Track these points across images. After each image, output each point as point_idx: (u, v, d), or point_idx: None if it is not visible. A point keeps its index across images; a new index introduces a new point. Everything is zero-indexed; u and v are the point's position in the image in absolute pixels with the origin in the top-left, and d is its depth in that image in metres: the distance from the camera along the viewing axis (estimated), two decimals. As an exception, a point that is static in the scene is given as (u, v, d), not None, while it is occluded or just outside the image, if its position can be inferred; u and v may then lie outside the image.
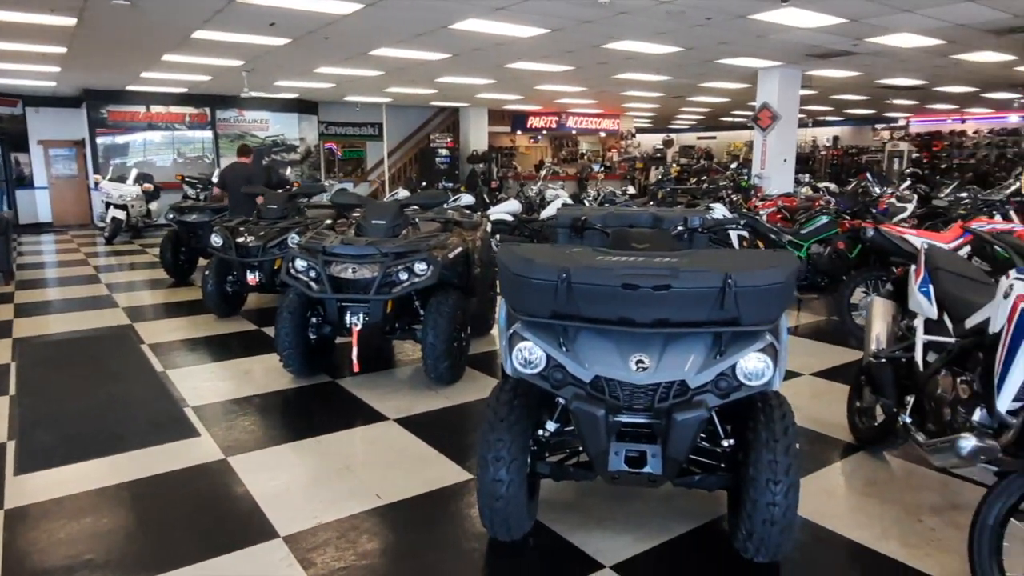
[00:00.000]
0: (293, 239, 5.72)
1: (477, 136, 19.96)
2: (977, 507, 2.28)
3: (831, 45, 9.60)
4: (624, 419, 2.37)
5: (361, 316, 4.38)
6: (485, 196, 12.75)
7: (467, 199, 10.39)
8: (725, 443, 2.59)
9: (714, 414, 2.57)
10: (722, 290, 2.21)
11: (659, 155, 26.47)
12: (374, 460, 3.58)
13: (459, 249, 4.80)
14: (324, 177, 17.78)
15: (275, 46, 9.51)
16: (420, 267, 4.41)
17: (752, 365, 2.31)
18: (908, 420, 3.01)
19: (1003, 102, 17.64)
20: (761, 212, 9.12)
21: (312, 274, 4.44)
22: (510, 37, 8.95)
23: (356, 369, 4.45)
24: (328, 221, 6.10)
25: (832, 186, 13.84)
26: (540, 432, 2.71)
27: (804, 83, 12.05)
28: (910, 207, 8.74)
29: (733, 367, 2.32)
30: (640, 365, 2.32)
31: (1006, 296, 2.40)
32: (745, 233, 7.11)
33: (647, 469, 2.42)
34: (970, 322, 2.77)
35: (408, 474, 3.36)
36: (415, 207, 5.55)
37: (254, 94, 14.47)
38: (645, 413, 2.35)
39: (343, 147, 18.98)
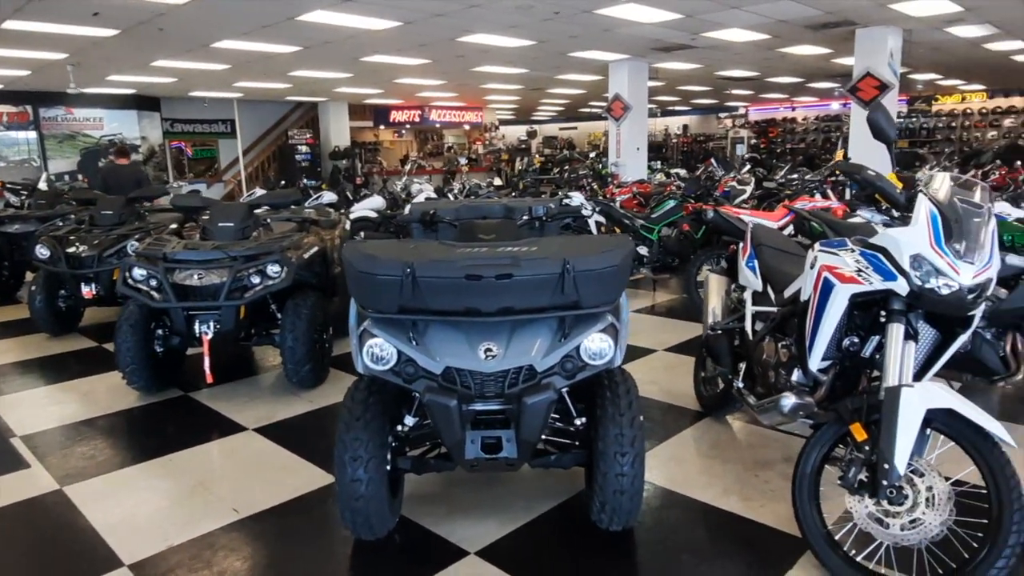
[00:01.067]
0: (132, 246, 5.32)
1: (338, 131, 19.41)
2: (797, 458, 2.53)
3: (672, 39, 10.18)
4: (478, 407, 2.42)
5: (211, 324, 4.16)
6: (348, 193, 12.45)
7: (329, 197, 10.08)
8: (578, 422, 2.70)
9: (566, 395, 2.69)
10: (561, 275, 2.30)
11: (524, 146, 26.96)
12: (232, 474, 3.42)
13: (315, 249, 4.67)
14: (172, 179, 16.64)
15: (102, 37, 8.75)
16: (273, 269, 4.25)
17: (595, 345, 2.43)
18: (740, 385, 3.29)
19: (826, 91, 19.47)
20: (617, 198, 9.57)
21: (153, 283, 4.16)
22: (361, 30, 8.78)
23: (210, 380, 4.23)
24: (174, 226, 5.72)
25: (683, 172, 14.75)
26: (399, 428, 2.70)
27: (652, 75, 12.70)
28: (748, 189, 9.43)
29: (577, 348, 2.42)
30: (489, 353, 2.37)
31: (812, 266, 2.68)
32: (602, 219, 7.43)
33: (503, 454, 2.48)
34: (788, 292, 3.06)
35: (269, 484, 3.24)
36: (266, 207, 5.33)
37: (83, 90, 13.25)
38: (497, 400, 2.41)
39: (193, 146, 17.81)
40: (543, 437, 2.83)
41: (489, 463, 2.51)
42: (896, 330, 2.38)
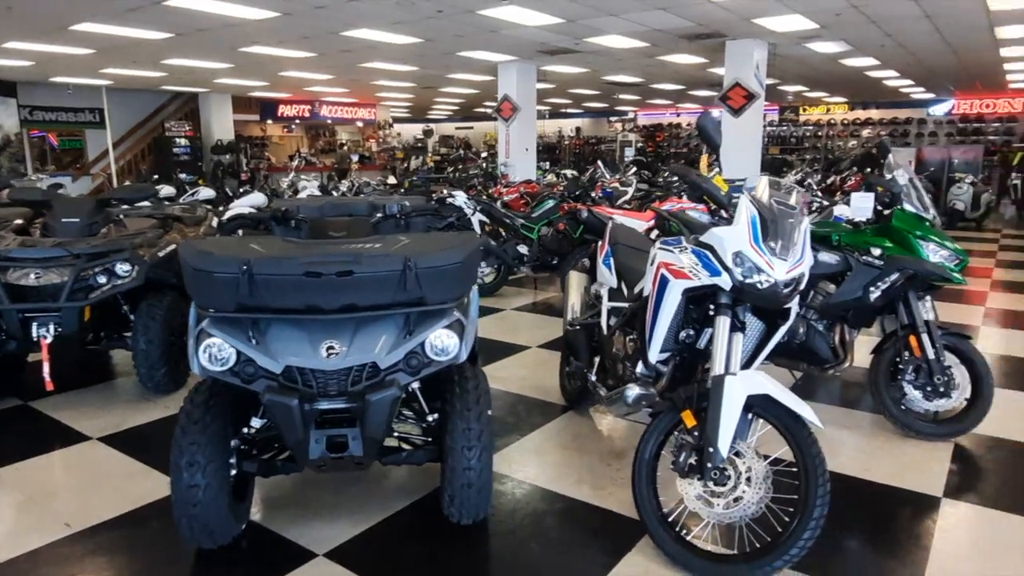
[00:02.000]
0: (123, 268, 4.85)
1: (221, 125, 18.53)
2: (637, 446, 2.66)
3: (557, 43, 10.41)
4: (323, 406, 2.38)
5: (51, 327, 3.87)
6: (229, 189, 11.93)
7: (206, 193, 9.63)
8: (430, 418, 2.72)
9: (418, 392, 2.70)
10: (403, 272, 2.31)
11: (420, 145, 26.79)
12: (68, 486, 3.20)
13: (173, 246, 4.44)
14: (32, 171, 15.32)
15: (-60, 14, 7.95)
16: (123, 268, 4.01)
17: (440, 342, 2.45)
18: (594, 378, 3.42)
19: (706, 99, 20.49)
20: (505, 198, 9.68)
21: (-18, 283, 3.82)
22: (237, 18, 8.42)
23: (50, 387, 3.91)
24: (19, 221, 5.27)
25: (573, 173, 15.15)
26: (246, 430, 2.63)
27: (540, 77, 12.94)
28: (630, 190, 9.84)
29: (422, 345, 2.44)
30: (331, 351, 2.34)
31: (652, 263, 2.82)
32: (485, 218, 7.50)
33: (350, 452, 2.46)
34: (637, 288, 3.21)
35: (109, 495, 3.06)
36: (115, 202, 5.00)
37: (-77, 71, 11.98)
38: (341, 398, 2.38)
39: (59, 136, 16.48)
40: (396, 434, 2.84)
41: (337, 462, 2.48)
42: (722, 322, 2.54)
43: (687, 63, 12.47)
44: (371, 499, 2.99)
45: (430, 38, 9.96)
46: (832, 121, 22.08)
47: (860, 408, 4.06)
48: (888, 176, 3.68)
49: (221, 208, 7.90)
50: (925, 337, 3.52)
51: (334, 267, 2.25)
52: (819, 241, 3.78)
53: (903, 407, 3.62)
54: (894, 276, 3.52)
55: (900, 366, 3.60)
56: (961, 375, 3.52)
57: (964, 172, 13.62)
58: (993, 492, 3.10)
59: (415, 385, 2.65)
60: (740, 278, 2.45)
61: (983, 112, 19.43)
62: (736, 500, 2.42)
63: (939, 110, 19.96)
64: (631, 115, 26.32)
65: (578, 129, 27.92)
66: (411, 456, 2.73)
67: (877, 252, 3.56)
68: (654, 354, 2.77)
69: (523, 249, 7.02)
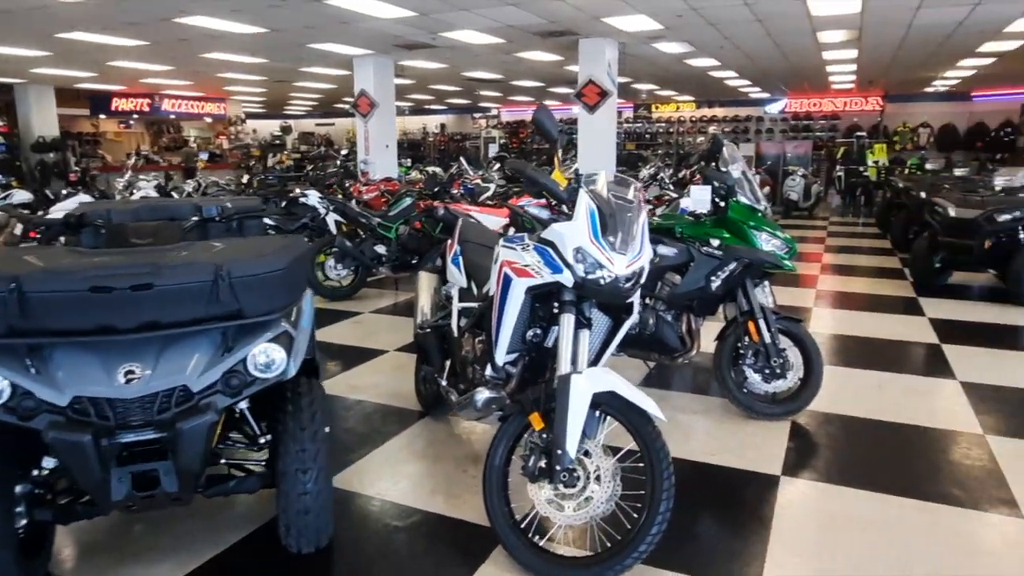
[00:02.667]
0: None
1: (43, 119, 16.63)
2: (487, 452, 2.55)
3: (413, 37, 10.18)
4: (126, 439, 2.08)
5: None
6: (50, 192, 10.71)
7: (21, 196, 8.61)
8: (262, 440, 2.48)
9: (247, 412, 2.45)
10: (215, 283, 2.06)
11: (278, 142, 25.55)
12: None
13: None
14: None
15: None
16: None
17: (264, 357, 2.22)
18: (445, 383, 3.29)
19: (565, 95, 20.98)
20: (365, 196, 9.35)
21: None
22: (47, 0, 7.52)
23: None
24: None
25: (437, 169, 14.96)
26: (37, 472, 2.26)
27: (398, 72, 12.64)
28: (492, 187, 9.83)
29: (244, 361, 2.19)
30: (131, 376, 2.05)
31: (496, 262, 2.72)
32: (340, 218, 7.17)
33: (162, 488, 2.17)
34: (485, 287, 3.10)
35: None
36: None
37: None
38: (148, 428, 2.09)
39: None
40: (225, 461, 2.57)
41: (147, 501, 2.18)
42: (567, 320, 2.49)
43: (544, 60, 12.64)
44: (199, 535, 2.69)
45: (277, 28, 9.40)
46: (682, 118, 23.36)
47: (710, 393, 4.22)
48: (724, 170, 3.82)
49: (41, 212, 7.05)
50: (762, 322, 3.69)
51: (127, 280, 1.96)
52: (664, 233, 3.87)
53: (745, 390, 3.78)
54: (732, 265, 3.66)
55: (741, 351, 3.75)
56: (795, 356, 3.73)
57: (796, 165, 14.83)
58: (826, 467, 3.30)
59: (244, 406, 2.40)
60: (582, 274, 2.40)
61: (811, 110, 21.30)
62: (586, 500, 2.37)
63: (774, 108, 21.67)
64: (495, 112, 26.49)
65: (443, 126, 27.75)
66: (240, 484, 2.47)
67: (716, 243, 3.68)
68: (501, 355, 2.68)
69: (381, 249, 6.77)
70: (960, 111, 19.62)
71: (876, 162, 14.25)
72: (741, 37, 10.48)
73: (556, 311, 2.55)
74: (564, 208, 2.63)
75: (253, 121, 27.34)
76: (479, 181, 10.54)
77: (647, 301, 3.91)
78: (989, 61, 13.14)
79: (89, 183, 14.71)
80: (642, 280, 2.53)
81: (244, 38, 9.92)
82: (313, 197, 7.37)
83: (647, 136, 23.38)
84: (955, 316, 5.99)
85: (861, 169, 14.51)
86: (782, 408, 3.76)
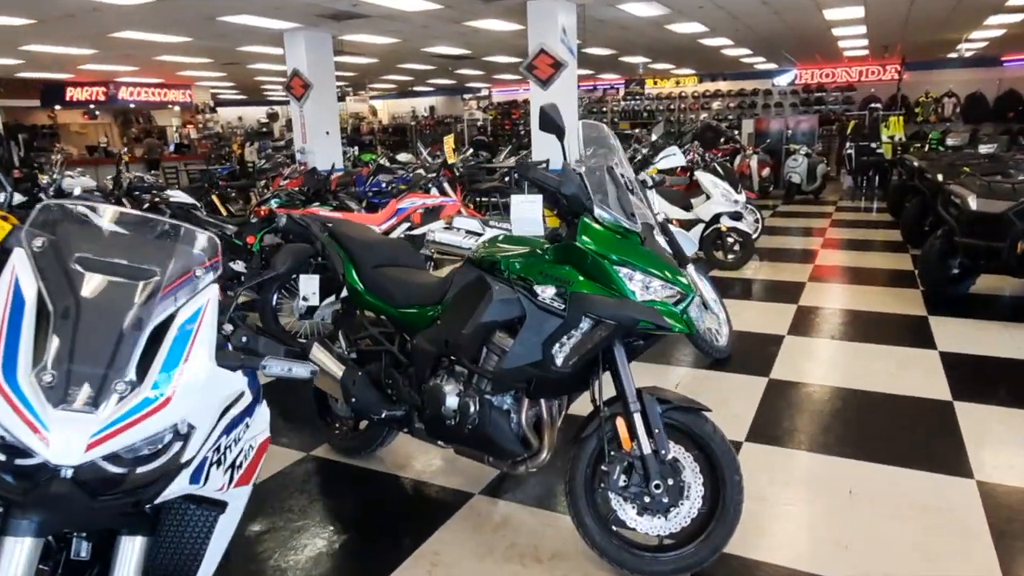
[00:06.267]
0: None
1: (-17, 111, 15.47)
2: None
3: (333, 5, 8.71)
4: None
5: None
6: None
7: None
8: None
9: None
10: None
11: (265, 130, 24.51)
12: None
13: None
14: None
15: None
16: None
17: None
18: None
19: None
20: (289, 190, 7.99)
21: None
22: None
23: None
24: None
25: (408, 157, 13.49)
26: None
27: (338, 48, 11.17)
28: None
29: None
30: None
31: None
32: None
33: None
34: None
35: None
36: None
37: None
38: None
39: None
40: None
41: None
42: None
43: (504, 31, 11.08)
44: None
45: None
46: (683, 94, 21.59)
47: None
48: (576, 162, 2.32)
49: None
50: (637, 418, 2.22)
51: None
52: (488, 269, 2.42)
53: (614, 528, 2.32)
54: (584, 327, 2.20)
55: (606, 465, 2.29)
56: (692, 475, 2.26)
57: (800, 143, 13.13)
58: None
59: None
60: None
61: (823, 82, 19.44)
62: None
63: (783, 81, 19.76)
64: (484, 92, 24.91)
65: (432, 108, 26.25)
66: None
67: (551, 291, 2.21)
68: None
69: (239, 266, 5.37)
70: (990, 78, 17.64)
71: (892, 137, 12.48)
72: (721, -7, 8.85)
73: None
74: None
75: (239, 109, 26.19)
76: (422, 170, 9.08)
77: (472, 378, 2.49)
78: (1020, 17, 11.29)
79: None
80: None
81: (130, 9, 8.50)
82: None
83: (645, 114, 21.65)
84: (977, 348, 4.43)
85: (874, 146, 12.75)
86: (673, 562, 2.28)
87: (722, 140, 13.89)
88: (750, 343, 4.63)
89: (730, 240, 6.88)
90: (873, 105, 15.95)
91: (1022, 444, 3.17)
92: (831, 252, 7.70)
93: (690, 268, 4.26)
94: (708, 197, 6.96)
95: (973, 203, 5.09)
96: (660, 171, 4.26)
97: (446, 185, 6.02)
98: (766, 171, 12.69)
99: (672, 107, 21.71)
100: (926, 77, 18.14)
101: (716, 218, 6.88)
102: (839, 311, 5.36)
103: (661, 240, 4.19)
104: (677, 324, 2.17)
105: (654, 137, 8.71)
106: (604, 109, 22.38)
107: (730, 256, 6.91)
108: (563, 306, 2.20)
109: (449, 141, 7.83)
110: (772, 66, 18.84)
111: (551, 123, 2.27)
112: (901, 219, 8.37)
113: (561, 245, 2.28)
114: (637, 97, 21.56)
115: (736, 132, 15.67)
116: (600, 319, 2.16)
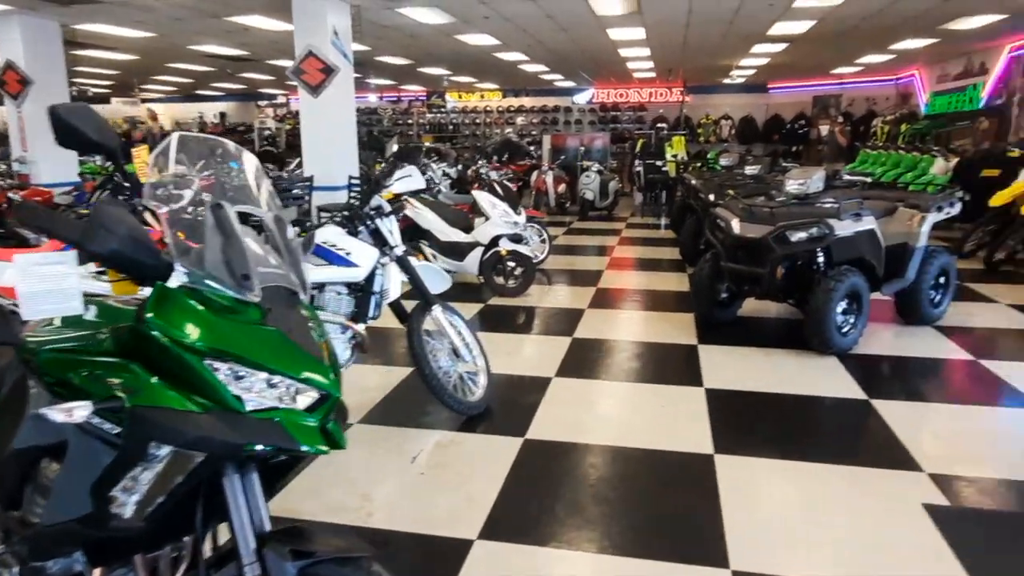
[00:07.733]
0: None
1: None
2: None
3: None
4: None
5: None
6: None
7: None
8: None
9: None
10: None
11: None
12: None
13: None
14: None
15: None
16: None
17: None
18: None
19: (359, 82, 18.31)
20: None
21: None
22: None
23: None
24: None
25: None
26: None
27: (68, 37, 9.41)
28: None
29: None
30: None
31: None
32: None
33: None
34: None
35: None
36: None
37: None
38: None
39: None
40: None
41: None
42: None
43: (273, 29, 9.96)
44: None
45: None
46: (488, 108, 21.53)
47: None
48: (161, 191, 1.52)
49: None
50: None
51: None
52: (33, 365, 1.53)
53: None
54: (160, 457, 1.40)
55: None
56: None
57: (594, 160, 13.31)
58: None
59: None
60: None
61: (618, 101, 20.26)
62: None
63: (581, 99, 20.37)
64: (281, 99, 23.23)
65: (223, 114, 24.01)
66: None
67: (98, 406, 1.39)
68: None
69: None
70: (759, 103, 19.38)
71: (675, 156, 13.01)
72: (501, 3, 8.49)
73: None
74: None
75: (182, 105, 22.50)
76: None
77: (8, 536, 1.58)
78: (781, 47, 12.26)
79: None
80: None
81: None
82: None
83: (450, 127, 21.30)
84: (738, 383, 4.22)
85: (660, 164, 13.24)
86: None
87: (521, 156, 13.78)
88: (513, 390, 4.09)
89: (511, 264, 6.43)
90: (659, 125, 16.74)
91: (779, 504, 2.86)
92: (615, 274, 7.54)
93: (436, 309, 3.62)
94: (487, 218, 6.48)
95: (736, 227, 4.98)
96: (396, 195, 3.57)
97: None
98: (562, 187, 12.69)
99: (477, 120, 21.57)
100: (706, 100, 19.53)
101: (496, 241, 6.40)
102: (613, 344, 5.03)
103: (338, 301, 3.46)
104: (309, 442, 1.44)
105: (388, 153, 8.13)
106: (410, 122, 21.73)
107: (511, 282, 6.45)
108: (118, 429, 1.38)
109: (141, 154, 6.61)
110: (571, 84, 19.29)
111: (68, 130, 1.63)
112: (680, 238, 8.49)
113: (126, 328, 1.46)
114: (440, 110, 21.14)
115: (537, 148, 15.70)
116: (178, 448, 1.37)
